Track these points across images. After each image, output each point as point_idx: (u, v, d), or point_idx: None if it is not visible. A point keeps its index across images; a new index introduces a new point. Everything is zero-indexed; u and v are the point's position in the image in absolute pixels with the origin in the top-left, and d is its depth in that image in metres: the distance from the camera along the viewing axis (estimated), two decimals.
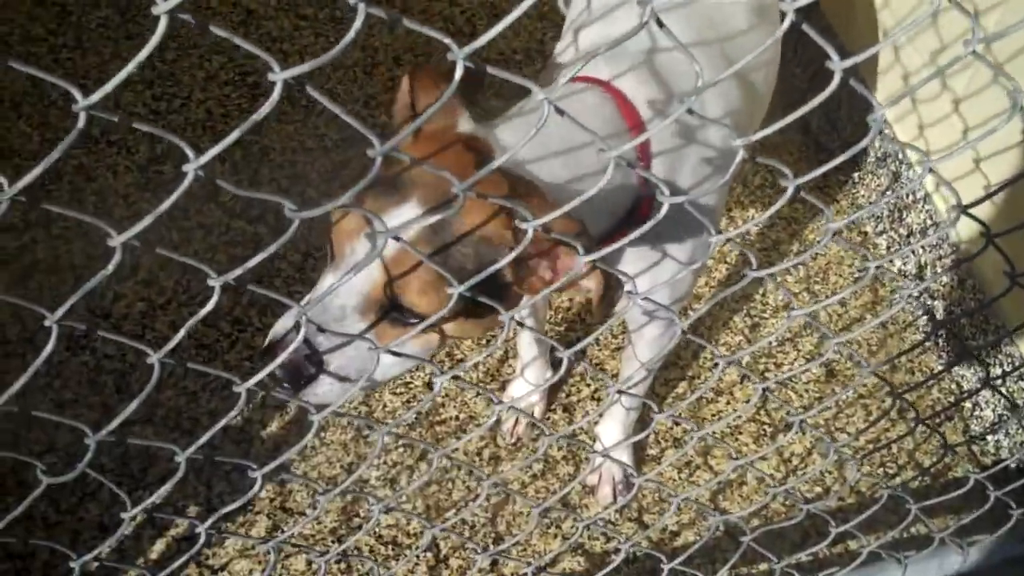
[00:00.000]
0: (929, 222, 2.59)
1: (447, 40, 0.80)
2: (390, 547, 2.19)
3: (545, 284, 1.32)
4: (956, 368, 2.56)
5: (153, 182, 2.62)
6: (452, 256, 1.26)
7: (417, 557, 2.17)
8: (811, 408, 2.47)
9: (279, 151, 2.72)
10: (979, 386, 2.44)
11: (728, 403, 2.47)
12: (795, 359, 2.55)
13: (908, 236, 2.67)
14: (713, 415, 2.44)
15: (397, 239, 1.18)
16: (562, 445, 2.36)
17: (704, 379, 2.49)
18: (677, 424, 2.43)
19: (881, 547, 2.06)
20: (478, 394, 2.41)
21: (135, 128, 2.68)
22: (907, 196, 2.65)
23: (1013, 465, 2.29)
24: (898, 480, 2.38)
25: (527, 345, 2.32)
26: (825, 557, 2.26)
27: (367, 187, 1.01)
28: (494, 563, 2.17)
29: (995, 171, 2.30)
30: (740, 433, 2.43)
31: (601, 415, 2.34)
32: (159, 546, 2.12)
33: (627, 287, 1.32)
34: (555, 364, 2.41)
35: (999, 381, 2.40)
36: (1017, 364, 2.36)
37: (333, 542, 2.17)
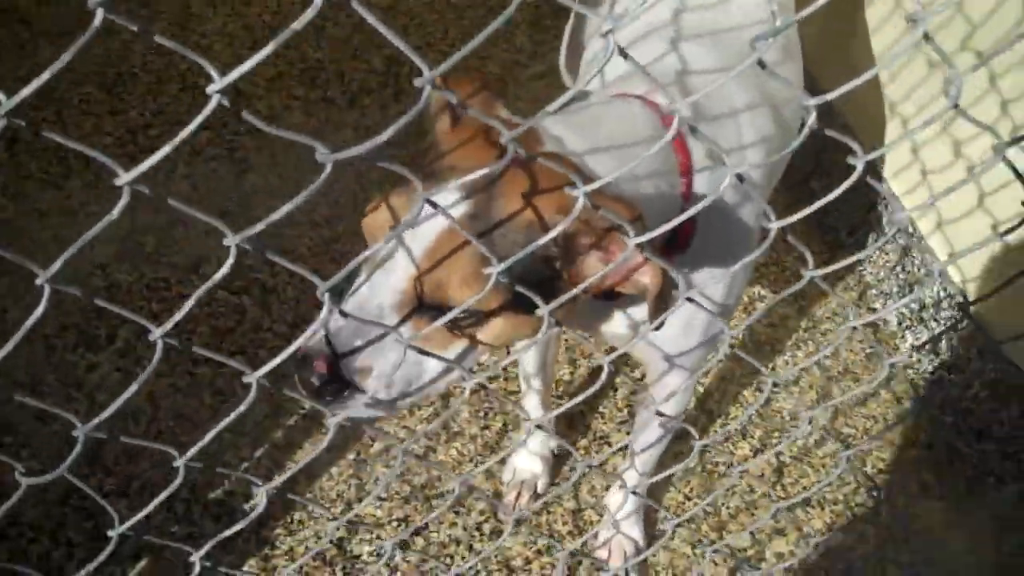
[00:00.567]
0: (943, 294, 2.50)
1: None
2: None
3: (596, 269, 1.19)
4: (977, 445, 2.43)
5: (131, 253, 2.51)
6: (497, 241, 1.13)
7: None
8: (828, 481, 2.34)
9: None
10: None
11: (742, 477, 2.32)
12: (810, 433, 2.42)
13: (920, 310, 2.58)
14: (728, 490, 2.30)
15: (432, 205, 1.04)
16: (567, 520, 2.20)
17: (716, 451, 2.35)
18: (689, 499, 2.28)
19: None
20: (476, 464, 2.26)
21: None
22: (918, 269, 2.57)
23: None
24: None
25: (533, 408, 2.18)
26: None
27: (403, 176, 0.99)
28: None
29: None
30: (756, 508, 2.27)
31: (609, 485, 2.20)
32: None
33: (646, 327, 1.25)
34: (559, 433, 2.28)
35: None
36: None
37: None
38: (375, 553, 2.11)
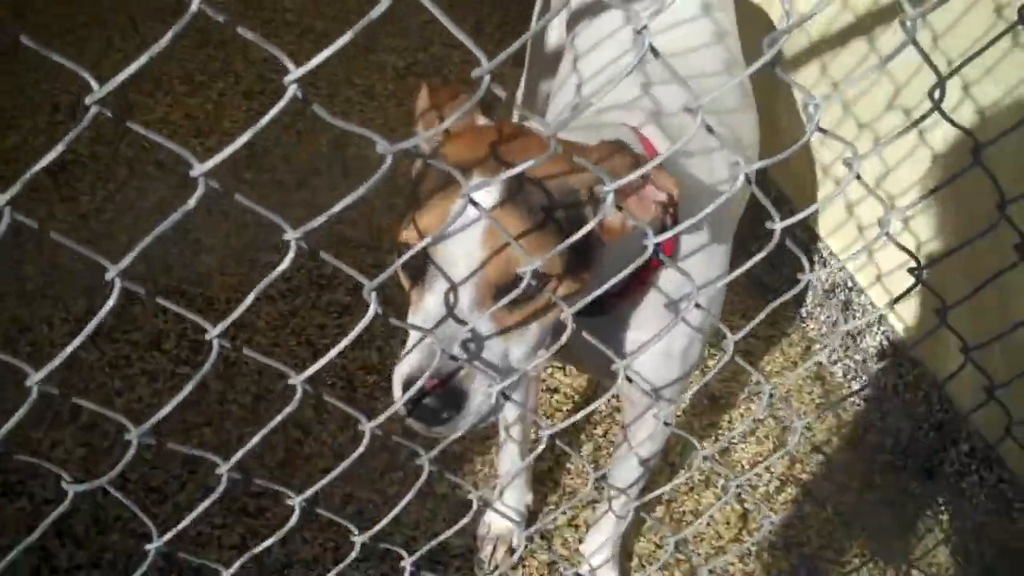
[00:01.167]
0: (886, 343, 2.60)
1: (478, 52, 0.81)
2: None
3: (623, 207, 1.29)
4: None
5: (96, 334, 2.49)
6: (539, 203, 1.23)
7: None
8: (793, 527, 2.40)
9: (223, 300, 2.64)
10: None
11: (708, 525, 2.37)
12: (769, 480, 2.49)
13: (864, 362, 2.68)
14: (695, 537, 2.34)
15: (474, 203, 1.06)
16: (543, 573, 2.22)
17: (681, 502, 2.40)
18: (660, 547, 2.32)
19: None
20: (449, 524, 2.27)
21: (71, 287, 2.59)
22: (857, 317, 2.67)
23: None
24: None
25: (510, 460, 2.21)
26: None
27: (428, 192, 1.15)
28: None
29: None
30: (725, 552, 2.32)
31: (584, 534, 2.22)
32: None
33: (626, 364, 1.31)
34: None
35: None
36: (1006, 478, 2.32)
37: None
38: None
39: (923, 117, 1.14)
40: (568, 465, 2.43)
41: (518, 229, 1.19)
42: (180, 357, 2.48)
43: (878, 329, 2.62)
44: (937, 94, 1.11)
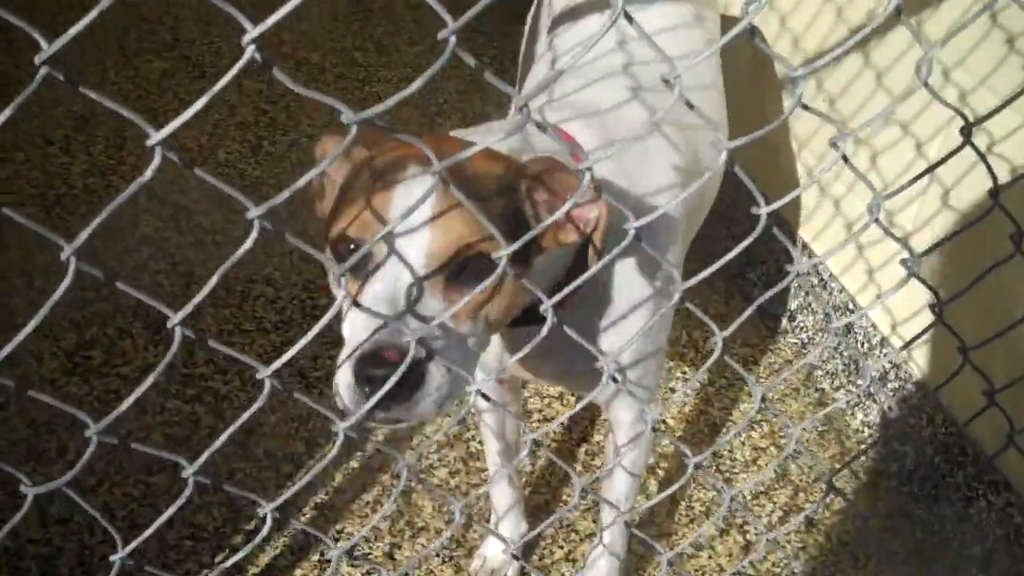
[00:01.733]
0: (888, 366, 2.55)
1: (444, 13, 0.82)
2: None
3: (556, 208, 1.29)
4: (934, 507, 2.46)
5: (81, 367, 2.46)
6: (480, 195, 1.22)
7: None
8: (797, 558, 2.34)
9: (214, 333, 2.60)
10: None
11: (710, 557, 2.32)
12: (772, 511, 2.43)
13: (867, 387, 2.63)
14: (696, 571, 2.28)
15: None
16: None
17: (682, 535, 2.35)
18: None
19: None
20: (444, 560, 2.22)
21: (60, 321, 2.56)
22: (862, 345, 2.63)
23: None
24: None
25: (502, 492, 2.16)
26: None
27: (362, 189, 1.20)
28: None
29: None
30: None
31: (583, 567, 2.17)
32: None
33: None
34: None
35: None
36: (1013, 502, 2.27)
37: None
38: None
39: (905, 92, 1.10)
40: (565, 496, 2.38)
41: (464, 212, 1.18)
42: (169, 391, 2.44)
43: (880, 352, 2.57)
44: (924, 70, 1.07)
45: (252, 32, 0.73)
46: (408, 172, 1.23)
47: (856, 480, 2.54)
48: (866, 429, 2.63)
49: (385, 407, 1.15)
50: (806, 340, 2.82)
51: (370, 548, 2.21)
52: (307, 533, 2.19)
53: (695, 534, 2.34)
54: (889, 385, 2.56)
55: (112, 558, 1.16)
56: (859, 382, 2.65)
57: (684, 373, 2.73)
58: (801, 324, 2.83)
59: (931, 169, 1.29)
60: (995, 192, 1.31)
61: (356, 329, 1.18)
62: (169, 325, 0.91)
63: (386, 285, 1.19)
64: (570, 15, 2.12)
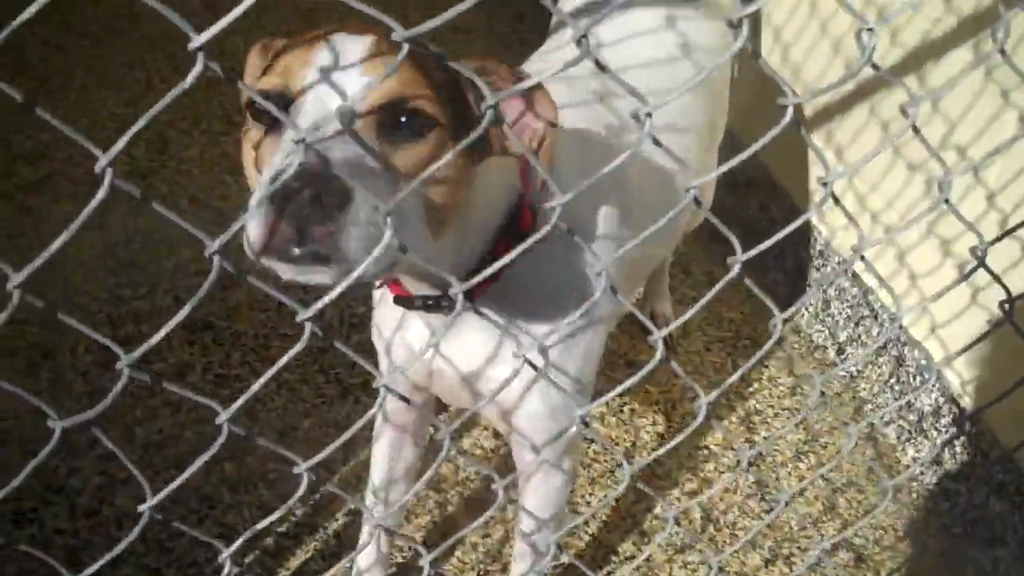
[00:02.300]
0: (941, 400, 2.47)
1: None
2: None
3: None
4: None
5: (114, 359, 2.40)
6: (419, 58, 1.13)
7: None
8: None
9: (251, 336, 2.55)
10: None
11: None
12: (820, 543, 2.34)
13: (919, 421, 2.54)
14: None
15: None
16: None
17: (726, 563, 2.26)
18: None
19: None
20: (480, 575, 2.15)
21: (97, 311, 2.51)
22: (914, 378, 2.55)
23: None
24: None
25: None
26: None
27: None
28: None
29: None
30: None
31: None
32: None
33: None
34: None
35: None
36: None
37: None
38: None
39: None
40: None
41: (403, 68, 1.11)
42: (204, 390, 2.38)
43: (933, 385, 2.49)
44: None
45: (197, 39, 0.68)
46: (338, 35, 1.16)
47: (907, 517, 2.45)
48: (917, 466, 2.55)
49: (304, 232, 1.00)
50: (855, 373, 2.75)
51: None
52: (339, 536, 2.13)
53: (739, 563, 2.26)
54: (942, 420, 2.48)
55: (140, 508, 1.09)
56: (910, 417, 2.57)
57: (729, 400, 2.66)
58: (851, 356, 2.76)
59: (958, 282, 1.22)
60: None
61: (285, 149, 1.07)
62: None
63: (310, 115, 1.08)
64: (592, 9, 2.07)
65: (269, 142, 1.13)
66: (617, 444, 2.45)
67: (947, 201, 1.00)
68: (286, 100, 1.11)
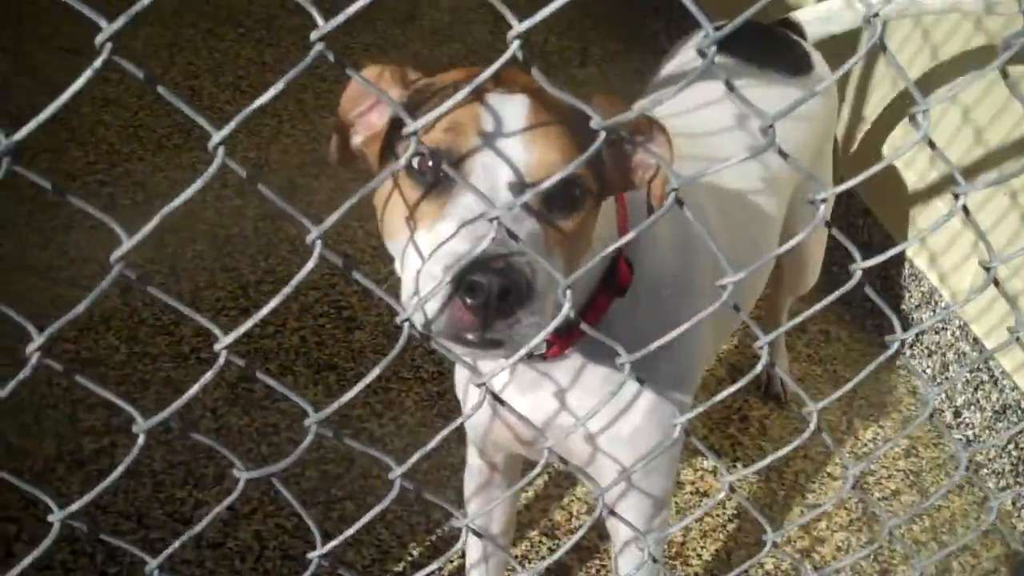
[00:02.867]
0: None
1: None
2: None
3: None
4: None
5: (242, 399, 2.50)
6: (570, 121, 1.15)
7: None
8: None
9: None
10: None
11: None
12: None
13: None
14: None
15: None
16: None
17: None
18: None
19: None
20: None
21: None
22: None
23: None
24: None
25: None
26: None
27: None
28: None
29: None
30: None
31: None
32: None
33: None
34: None
35: None
36: None
37: None
38: None
39: None
40: None
41: (557, 133, 1.14)
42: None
43: None
44: None
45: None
46: (495, 91, 1.16)
47: None
48: None
49: (488, 323, 1.03)
50: (972, 437, 2.72)
51: None
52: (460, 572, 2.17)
53: None
54: None
55: (310, 555, 1.14)
56: None
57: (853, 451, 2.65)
58: (967, 421, 2.73)
59: None
60: None
61: (444, 242, 1.08)
62: (217, 348, 0.90)
63: (473, 199, 1.08)
64: (672, 81, 2.09)
65: (432, 202, 1.14)
66: (730, 499, 2.46)
67: None
68: (450, 161, 1.12)
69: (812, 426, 1.14)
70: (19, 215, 2.81)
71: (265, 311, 0.86)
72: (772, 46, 2.09)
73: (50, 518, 0.92)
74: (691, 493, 2.43)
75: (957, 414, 2.77)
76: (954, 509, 2.56)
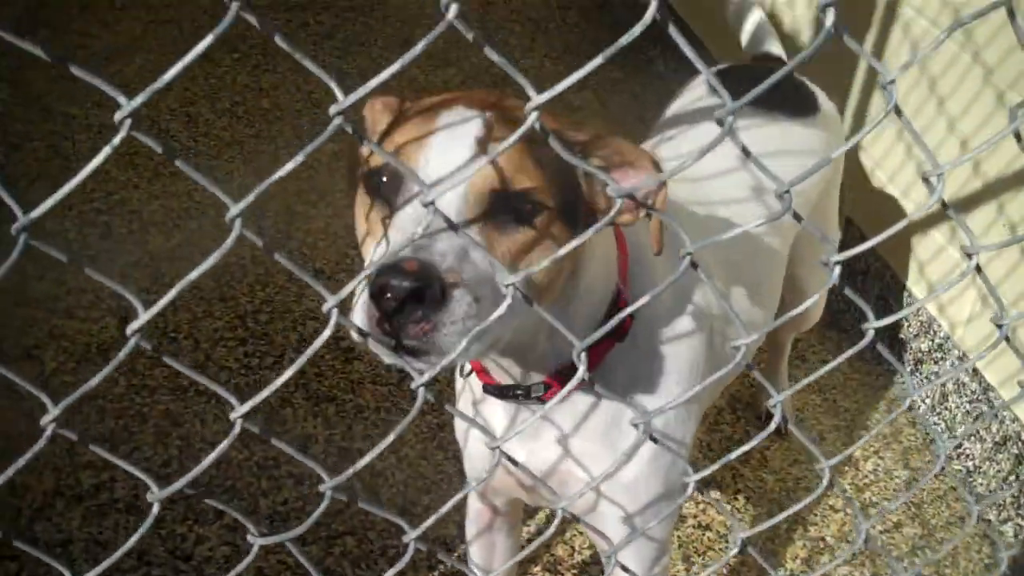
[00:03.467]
0: None
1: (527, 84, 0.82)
2: None
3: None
4: None
5: (244, 432, 2.48)
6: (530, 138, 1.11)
7: None
8: None
9: (372, 409, 2.60)
10: None
11: None
12: None
13: None
14: None
15: None
16: None
17: None
18: None
19: None
20: None
21: (224, 382, 2.59)
22: None
23: None
24: None
25: None
26: None
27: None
28: None
29: None
30: None
31: None
32: None
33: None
34: None
35: None
36: None
37: None
38: None
39: None
40: None
41: (516, 152, 1.14)
42: (328, 463, 2.44)
43: None
44: None
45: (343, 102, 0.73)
46: (454, 109, 1.18)
47: None
48: None
49: (401, 327, 1.03)
50: (972, 468, 2.72)
51: None
52: None
53: None
54: None
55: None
56: None
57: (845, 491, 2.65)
58: (968, 452, 2.73)
59: None
60: None
61: (380, 253, 1.12)
62: (233, 417, 0.90)
63: (417, 208, 1.11)
64: (676, 122, 2.09)
65: (378, 212, 1.18)
66: (731, 531, 2.45)
67: None
68: (397, 180, 1.16)
69: (824, 483, 1.13)
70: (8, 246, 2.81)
71: (280, 382, 0.85)
72: (780, 88, 2.09)
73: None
74: (693, 527, 2.43)
75: (957, 445, 2.77)
76: (958, 544, 2.56)
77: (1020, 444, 2.56)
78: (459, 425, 1.70)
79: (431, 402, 0.99)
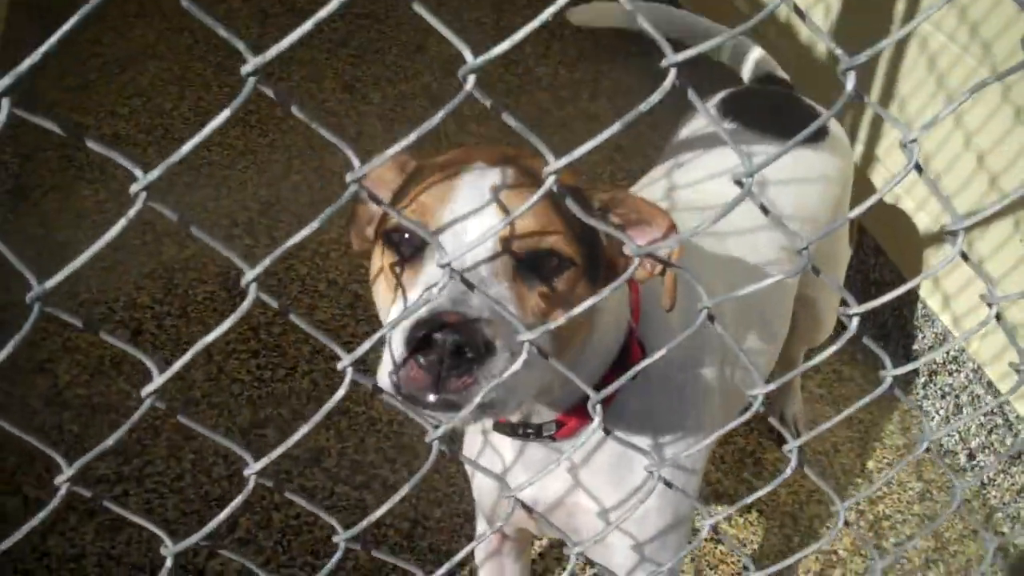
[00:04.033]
0: None
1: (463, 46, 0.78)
2: None
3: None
4: None
5: (253, 444, 2.49)
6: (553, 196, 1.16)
7: None
8: None
9: (385, 422, 2.61)
10: None
11: None
12: None
13: None
14: None
15: None
16: None
17: None
18: None
19: None
20: None
21: (237, 394, 2.60)
22: None
23: None
24: None
25: None
26: None
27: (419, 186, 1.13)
28: None
29: None
30: None
31: None
32: None
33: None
34: None
35: None
36: None
37: None
38: None
39: None
40: None
41: (541, 211, 1.14)
42: (340, 476, 2.44)
43: None
44: None
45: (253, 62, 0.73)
46: (475, 166, 1.18)
47: None
48: None
49: (442, 380, 1.03)
50: (986, 481, 2.71)
51: None
52: None
53: None
54: None
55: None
56: None
57: (858, 504, 2.64)
58: (981, 463, 2.72)
59: None
60: None
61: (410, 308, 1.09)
62: (247, 474, 0.90)
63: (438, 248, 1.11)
64: (688, 146, 2.09)
65: (407, 274, 1.17)
66: (744, 545, 2.45)
67: None
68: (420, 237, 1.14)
69: (840, 524, 1.12)
70: (26, 257, 2.82)
71: (292, 440, 0.85)
72: (785, 113, 2.10)
73: None
74: (705, 540, 2.42)
75: (971, 456, 2.77)
76: (969, 554, 2.55)
77: None
78: (468, 451, 1.71)
79: (446, 453, 0.99)
